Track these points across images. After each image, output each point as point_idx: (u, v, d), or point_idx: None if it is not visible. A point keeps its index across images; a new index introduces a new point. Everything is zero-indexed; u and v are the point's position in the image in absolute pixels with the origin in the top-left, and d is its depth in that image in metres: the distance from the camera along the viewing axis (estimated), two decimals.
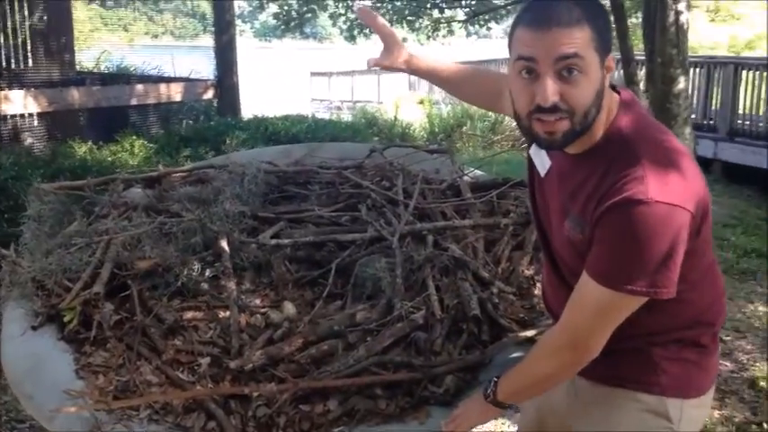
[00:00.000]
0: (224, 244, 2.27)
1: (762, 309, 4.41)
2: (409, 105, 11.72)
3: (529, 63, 1.21)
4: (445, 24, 7.70)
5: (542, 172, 1.45)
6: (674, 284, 1.22)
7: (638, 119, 1.30)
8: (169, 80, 8.55)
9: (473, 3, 7.13)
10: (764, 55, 11.89)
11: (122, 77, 8.62)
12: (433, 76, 1.83)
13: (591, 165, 1.28)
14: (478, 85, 1.80)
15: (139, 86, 7.83)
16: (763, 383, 3.48)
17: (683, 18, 4.58)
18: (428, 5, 7.16)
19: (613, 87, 1.35)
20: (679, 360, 1.38)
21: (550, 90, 1.19)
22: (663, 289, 1.21)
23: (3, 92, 6.72)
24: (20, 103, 6.69)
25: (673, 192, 1.18)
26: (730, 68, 8.23)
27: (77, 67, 8.43)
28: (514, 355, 1.88)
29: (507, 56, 1.29)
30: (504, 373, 1.48)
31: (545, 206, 1.46)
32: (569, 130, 1.23)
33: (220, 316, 2.13)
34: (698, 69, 8.68)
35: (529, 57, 1.21)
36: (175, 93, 8.12)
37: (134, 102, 7.75)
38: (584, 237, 1.29)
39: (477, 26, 8.13)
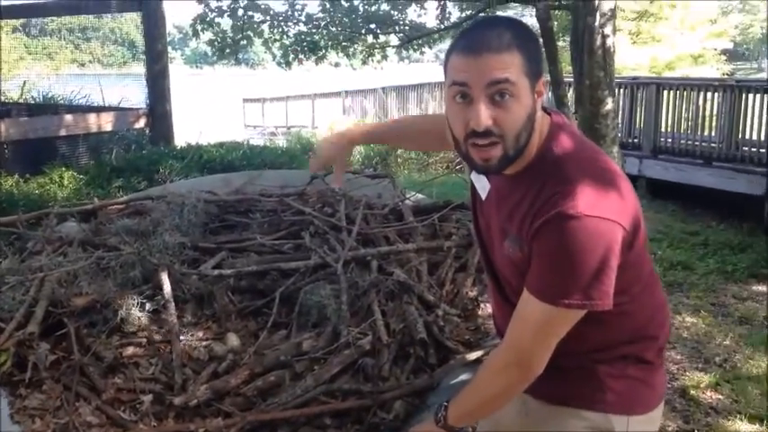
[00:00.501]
0: (164, 276, 2.23)
1: (689, 319, 4.54)
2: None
3: (462, 88, 1.24)
4: (380, 49, 7.78)
5: (483, 195, 1.46)
6: (609, 296, 1.23)
7: (571, 139, 1.32)
8: (99, 109, 8.35)
9: (406, 28, 7.22)
10: (684, 75, 12.42)
11: (50, 107, 8.37)
12: (383, 142, 1.86)
13: (525, 184, 1.30)
14: (426, 133, 1.80)
15: (68, 117, 7.62)
16: (693, 392, 3.58)
17: (609, 41, 4.75)
18: (362, 31, 7.21)
19: (545, 110, 1.38)
20: (624, 377, 1.38)
21: (483, 115, 1.22)
22: (597, 301, 1.23)
23: None
24: None
25: (602, 206, 1.20)
26: (653, 88, 8.54)
27: (2, 98, 8.15)
28: (462, 377, 1.90)
29: (438, 79, 1.31)
30: (453, 397, 1.46)
31: (487, 228, 1.47)
32: (503, 155, 1.26)
33: (162, 351, 2.08)
34: (622, 90, 8.99)
35: (462, 82, 1.24)
36: (106, 122, 7.93)
37: (63, 132, 7.52)
38: (524, 255, 1.30)
39: (410, 51, 8.23)
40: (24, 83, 9.26)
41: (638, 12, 13.78)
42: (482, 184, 1.47)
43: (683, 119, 8.27)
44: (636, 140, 8.84)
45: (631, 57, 13.35)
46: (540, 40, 5.46)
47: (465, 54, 1.24)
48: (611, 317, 1.29)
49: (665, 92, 8.56)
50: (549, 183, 1.25)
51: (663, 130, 8.58)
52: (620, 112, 8.93)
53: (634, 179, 8.31)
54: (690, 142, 8.12)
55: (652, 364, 1.41)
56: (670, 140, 8.45)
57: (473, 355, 1.97)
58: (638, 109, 8.88)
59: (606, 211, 1.20)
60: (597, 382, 1.37)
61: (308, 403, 1.83)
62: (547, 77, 5.03)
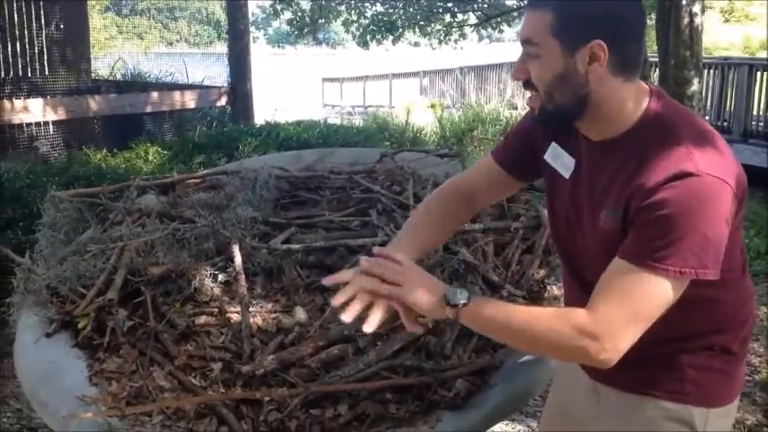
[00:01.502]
0: (236, 249, 2.29)
1: None
2: (420, 110, 11.72)
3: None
4: (457, 28, 7.71)
5: (566, 174, 1.42)
6: (719, 265, 1.17)
7: (672, 106, 1.30)
8: (183, 87, 8.61)
9: (485, 6, 7.12)
10: None
11: (137, 85, 8.69)
12: (424, 250, 1.64)
13: (625, 151, 1.26)
14: (453, 215, 1.68)
15: (154, 94, 7.89)
16: None
17: (697, 20, 4.56)
18: (440, 10, 7.16)
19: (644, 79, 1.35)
20: (707, 368, 1.34)
21: (514, 68, 1.31)
22: (707, 269, 1.16)
23: (21, 101, 6.80)
24: (37, 111, 6.77)
25: (719, 167, 1.16)
26: (744, 69, 8.18)
27: (93, 75, 8.51)
28: (524, 358, 1.88)
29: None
30: (480, 298, 1.30)
31: (571, 208, 1.40)
32: (541, 107, 1.30)
33: (232, 321, 2.15)
34: (712, 71, 8.63)
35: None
36: (190, 100, 8.17)
37: (149, 109, 7.80)
38: (617, 222, 1.25)
39: (489, 29, 8.13)
40: (117, 60, 9.63)
41: None
42: (563, 162, 1.44)
43: None
44: (726, 124, 8.50)
45: (723, 36, 12.77)
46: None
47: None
48: (702, 303, 1.26)
49: (759, 73, 8.18)
50: (656, 146, 1.21)
51: (755, 113, 8.22)
52: (710, 94, 8.58)
53: None
54: None
55: (736, 355, 1.37)
56: (762, 124, 8.08)
57: None
58: (729, 91, 8.53)
59: (724, 173, 1.16)
60: (679, 372, 1.32)
61: (369, 378, 1.85)
62: None
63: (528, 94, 1.33)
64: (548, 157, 1.46)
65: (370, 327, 1.29)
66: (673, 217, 1.14)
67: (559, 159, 1.44)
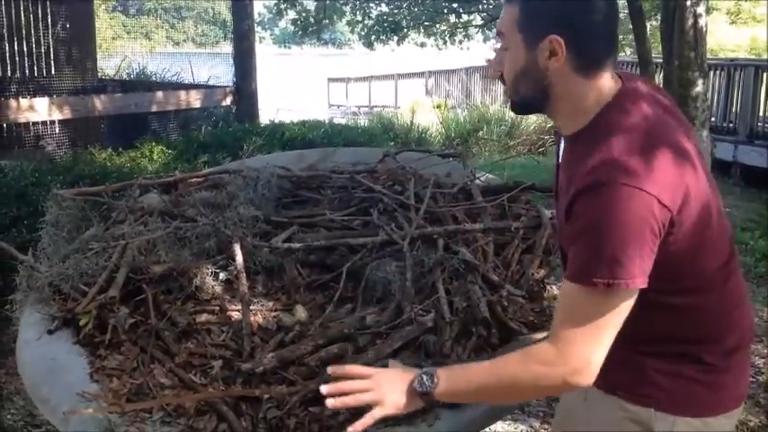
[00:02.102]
0: (237, 248, 2.30)
1: None
2: (426, 110, 11.73)
3: None
4: (462, 29, 7.71)
5: (559, 159, 1.45)
6: (644, 274, 1.17)
7: (637, 109, 1.27)
8: (189, 87, 8.64)
9: (490, 7, 7.12)
10: None
11: (143, 84, 8.72)
12: None
13: (579, 149, 1.28)
14: None
15: (160, 93, 7.92)
16: None
17: (701, 21, 4.56)
18: (445, 11, 7.16)
19: (620, 76, 1.34)
20: (676, 375, 1.32)
21: (492, 62, 1.38)
22: (626, 279, 1.15)
23: (27, 100, 6.83)
24: (43, 110, 6.80)
25: (643, 178, 1.15)
26: (751, 71, 8.16)
27: (99, 75, 8.55)
28: None
29: None
30: (448, 368, 1.35)
31: (557, 197, 1.45)
32: (508, 98, 1.37)
33: (233, 319, 2.16)
34: (718, 72, 8.61)
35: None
36: (195, 99, 8.20)
37: (154, 108, 7.83)
38: (563, 223, 1.28)
39: (494, 30, 8.12)
40: (123, 60, 9.67)
41: None
42: (557, 150, 1.47)
43: None
44: (731, 125, 8.49)
45: (730, 37, 12.73)
46: (629, 19, 5.30)
47: None
48: (662, 310, 1.25)
49: (765, 75, 8.16)
50: (594, 150, 1.21)
51: (761, 114, 8.20)
52: (716, 95, 8.56)
53: (727, 165, 7.98)
54: None
55: (714, 366, 1.33)
56: None
57: (536, 336, 1.95)
58: (735, 92, 8.51)
59: (646, 184, 1.14)
60: (644, 375, 1.32)
61: None
62: (634, 58, 4.84)
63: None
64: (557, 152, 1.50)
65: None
66: (588, 228, 1.16)
67: (558, 154, 1.47)
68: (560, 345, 1.21)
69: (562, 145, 1.42)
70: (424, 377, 1.30)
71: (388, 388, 1.33)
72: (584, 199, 1.18)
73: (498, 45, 1.34)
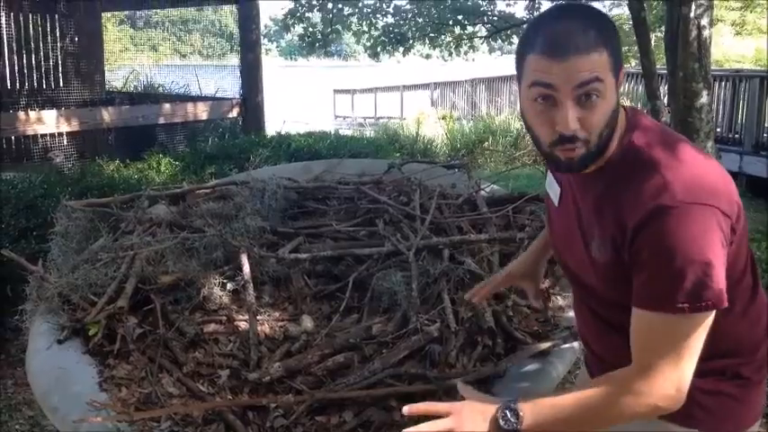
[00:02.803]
0: (244, 258, 2.32)
1: None
2: (431, 121, 11.77)
3: (547, 90, 1.18)
4: (467, 40, 7.75)
5: (555, 201, 1.42)
6: (724, 292, 1.13)
7: (650, 128, 1.26)
8: (196, 99, 8.68)
9: (495, 19, 7.16)
10: None
11: (150, 97, 8.77)
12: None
13: (607, 180, 1.24)
14: None
15: (167, 105, 7.96)
16: None
17: (705, 33, 4.56)
18: (450, 22, 7.20)
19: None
20: (717, 393, 1.30)
21: (571, 118, 1.17)
22: (712, 300, 1.13)
23: (36, 113, 6.88)
24: (51, 123, 6.86)
25: (699, 190, 1.13)
26: (756, 82, 8.16)
27: (107, 87, 8.61)
28: (529, 367, 1.90)
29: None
30: (527, 401, 1.26)
31: (565, 235, 1.40)
32: (586, 154, 1.21)
33: (240, 329, 2.18)
34: (723, 83, 8.62)
35: (547, 84, 1.17)
36: (202, 111, 8.25)
37: (162, 120, 7.87)
38: (611, 257, 1.23)
39: (499, 41, 8.17)
40: (131, 72, 9.75)
41: (744, 1, 13.11)
42: (554, 190, 1.41)
43: None
44: (737, 136, 8.47)
45: (735, 49, 12.73)
46: (633, 30, 5.31)
47: (548, 54, 1.17)
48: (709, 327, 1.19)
49: None
50: (635, 177, 1.18)
51: (766, 125, 8.19)
52: (721, 106, 8.56)
53: (733, 176, 7.90)
54: None
55: (749, 379, 1.32)
56: None
57: (541, 346, 1.97)
58: (741, 103, 8.50)
59: (706, 197, 1.12)
60: (688, 396, 1.25)
61: (374, 385, 1.87)
62: (639, 69, 4.83)
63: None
64: (547, 184, 1.47)
65: None
66: (664, 256, 1.12)
67: (552, 187, 1.43)
68: (649, 374, 1.18)
69: (556, 188, 1.40)
70: (509, 413, 1.23)
71: (470, 425, 1.24)
72: (651, 227, 1.13)
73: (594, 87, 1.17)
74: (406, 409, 1.30)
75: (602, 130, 1.19)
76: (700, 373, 1.25)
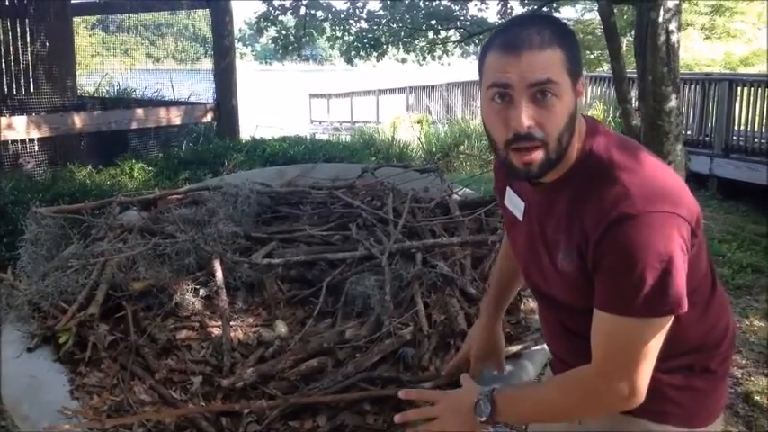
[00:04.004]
0: (217, 264, 2.32)
1: (757, 323, 4.43)
2: (407, 125, 11.81)
3: (501, 89, 1.19)
4: (440, 45, 7.79)
5: (520, 216, 1.41)
6: (684, 297, 1.17)
7: (609, 137, 1.28)
8: (169, 104, 8.62)
9: (468, 23, 7.21)
10: (760, 71, 11.96)
11: (123, 102, 8.70)
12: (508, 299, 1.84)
13: (570, 191, 1.26)
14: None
15: (139, 110, 7.90)
16: (757, 398, 3.50)
17: (673, 37, 4.64)
18: (423, 27, 7.24)
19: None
20: (687, 388, 1.34)
21: (525, 115, 1.17)
22: (672, 305, 1.16)
23: (6, 119, 6.78)
24: (22, 129, 6.76)
25: (661, 198, 1.15)
26: (725, 85, 8.30)
27: (79, 92, 8.52)
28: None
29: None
30: (502, 391, 1.35)
31: (530, 248, 1.40)
32: (545, 159, 1.21)
33: (213, 335, 2.17)
34: (693, 86, 8.75)
35: (502, 83, 1.18)
36: (175, 116, 8.19)
37: (134, 126, 7.81)
38: (576, 266, 1.25)
39: (473, 46, 8.22)
40: (102, 77, 9.66)
41: (713, 6, 13.32)
42: (516, 205, 1.42)
43: (757, 117, 8.02)
44: (707, 138, 8.61)
45: (704, 52, 12.93)
46: (604, 35, 5.39)
47: (504, 53, 1.19)
48: (674, 325, 1.23)
49: (739, 89, 8.30)
50: (597, 186, 1.20)
51: (736, 128, 8.33)
52: (691, 110, 8.70)
53: (704, 178, 8.10)
54: (764, 141, 7.86)
55: (715, 372, 1.36)
56: (743, 139, 8.19)
57: (512, 349, 1.98)
58: (710, 106, 8.64)
59: (666, 205, 1.15)
60: (659, 392, 1.31)
61: (348, 389, 1.88)
62: (609, 73, 4.89)
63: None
64: (506, 201, 1.48)
65: None
66: (625, 262, 1.15)
67: (513, 202, 1.44)
68: (607, 375, 1.22)
69: (518, 203, 1.41)
70: (482, 404, 1.34)
71: (450, 415, 1.38)
72: (613, 235, 1.15)
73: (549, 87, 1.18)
74: (401, 394, 1.50)
75: (561, 133, 1.19)
76: (670, 370, 1.30)
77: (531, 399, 1.35)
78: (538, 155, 1.20)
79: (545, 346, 2.00)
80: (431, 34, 7.50)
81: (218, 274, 2.29)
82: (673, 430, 1.34)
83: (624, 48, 6.09)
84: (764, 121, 7.88)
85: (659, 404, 1.32)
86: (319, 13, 7.25)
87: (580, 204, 1.23)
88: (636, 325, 1.17)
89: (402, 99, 15.96)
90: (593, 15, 13.24)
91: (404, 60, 9.15)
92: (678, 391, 1.33)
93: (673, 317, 1.19)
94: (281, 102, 24.05)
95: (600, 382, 1.23)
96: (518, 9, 6.95)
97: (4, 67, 7.36)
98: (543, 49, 1.17)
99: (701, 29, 13.92)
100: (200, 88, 8.97)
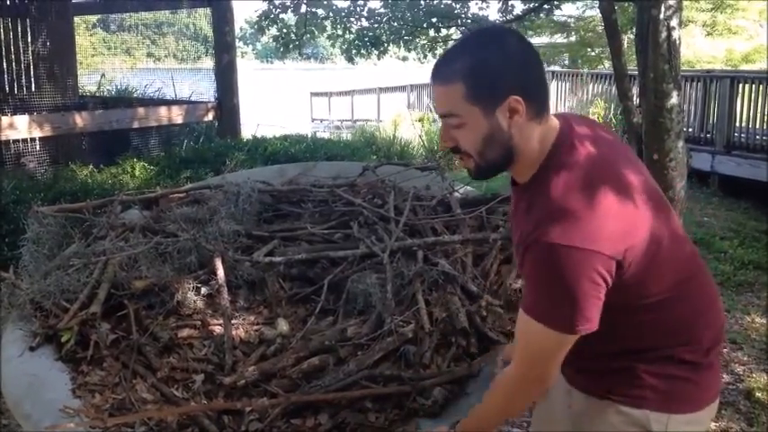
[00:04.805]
0: (218, 263, 2.32)
1: (758, 320, 4.42)
2: (408, 123, 11.79)
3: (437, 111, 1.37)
4: (441, 43, 7.77)
5: (512, 209, 1.53)
6: (589, 321, 1.27)
7: (575, 152, 1.34)
8: (170, 103, 8.61)
9: (469, 21, 7.18)
10: (762, 68, 11.94)
11: (124, 101, 8.70)
12: None
13: (528, 197, 1.36)
14: None
15: (141, 109, 7.89)
16: (759, 394, 3.49)
17: (674, 34, 4.62)
18: (424, 25, 7.22)
19: (560, 117, 1.41)
20: (665, 376, 1.39)
21: (442, 138, 1.37)
22: (579, 326, 1.27)
23: (7, 118, 6.78)
24: (24, 128, 6.76)
25: (580, 234, 1.23)
26: (726, 82, 8.28)
27: (80, 92, 8.52)
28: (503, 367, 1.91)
29: None
30: (462, 420, 1.55)
31: (517, 241, 1.51)
32: (476, 166, 1.37)
33: (215, 333, 2.17)
34: (695, 83, 8.74)
35: (434, 105, 1.39)
36: (176, 115, 8.18)
37: (136, 125, 7.80)
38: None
39: None
40: (104, 76, 9.66)
41: (714, 2, 13.29)
42: (513, 200, 1.53)
43: (759, 113, 8.00)
44: (708, 135, 8.59)
45: (706, 49, 12.89)
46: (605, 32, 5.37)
47: (430, 78, 1.36)
48: (643, 323, 1.36)
49: (741, 85, 8.28)
50: (537, 203, 1.31)
51: (737, 125, 8.31)
52: (692, 107, 8.68)
53: (706, 175, 8.09)
54: (766, 138, 7.84)
55: (699, 363, 1.41)
56: (744, 136, 8.17)
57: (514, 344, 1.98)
58: (712, 103, 8.61)
59: (583, 240, 1.22)
60: (637, 379, 1.39)
61: (349, 387, 1.88)
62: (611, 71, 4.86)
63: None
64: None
65: None
66: (534, 279, 1.29)
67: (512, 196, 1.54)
68: (524, 371, 1.39)
69: (513, 194, 1.50)
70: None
71: None
72: (530, 254, 1.28)
73: (450, 121, 1.34)
74: None
75: (479, 150, 1.33)
76: (647, 359, 1.39)
77: (476, 414, 1.51)
78: (468, 162, 1.37)
79: None
80: (432, 32, 7.48)
81: (220, 272, 2.29)
82: (650, 414, 1.40)
83: (625, 45, 6.08)
84: (766, 117, 7.86)
85: (637, 390, 1.40)
86: (320, 12, 7.23)
87: (526, 215, 1.34)
88: (543, 329, 1.29)
89: (403, 97, 15.93)
90: (595, 12, 13.23)
91: (405, 58, 9.13)
92: (656, 377, 1.39)
93: (570, 334, 1.29)
94: (282, 100, 24.06)
95: (519, 378, 1.40)
96: (519, 7, 6.94)
97: (5, 66, 7.37)
98: (445, 84, 1.32)
99: (703, 26, 13.89)
100: (202, 87, 8.97)
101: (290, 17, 7.52)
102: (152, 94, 9.33)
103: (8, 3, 7.65)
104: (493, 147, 1.33)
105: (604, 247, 1.24)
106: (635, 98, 5.73)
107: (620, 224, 1.27)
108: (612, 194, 1.28)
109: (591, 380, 1.44)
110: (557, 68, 14.11)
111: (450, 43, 8.10)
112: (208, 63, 9.26)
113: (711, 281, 1.51)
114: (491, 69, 1.31)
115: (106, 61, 10.76)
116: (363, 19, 7.25)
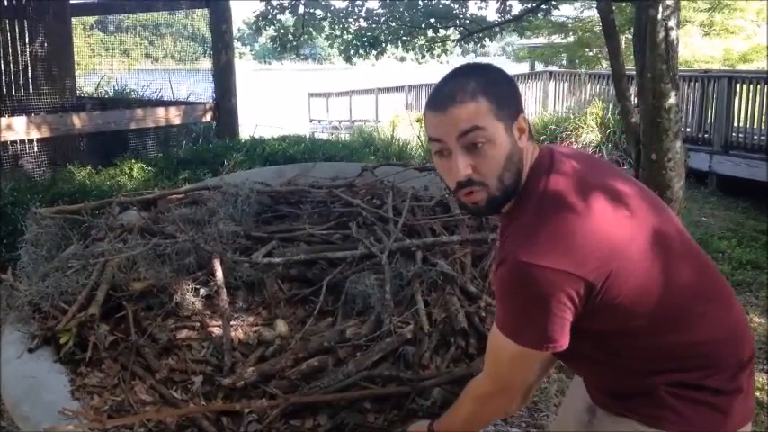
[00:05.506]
0: (217, 264, 2.32)
1: (757, 320, 4.43)
2: (406, 124, 11.79)
3: (439, 144, 1.31)
4: (440, 44, 7.78)
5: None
6: (556, 341, 1.27)
7: (555, 175, 1.33)
8: (168, 104, 8.59)
9: (467, 22, 7.20)
10: (759, 68, 11.95)
11: (122, 102, 8.69)
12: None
13: (508, 224, 1.36)
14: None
15: (139, 111, 7.88)
16: (757, 394, 3.50)
17: (672, 34, 4.62)
18: (422, 25, 7.23)
19: (538, 144, 1.40)
20: (688, 399, 1.34)
21: (461, 166, 1.28)
22: (545, 344, 1.27)
23: (5, 119, 6.77)
24: (21, 129, 6.75)
25: (549, 255, 1.21)
26: (724, 82, 8.29)
27: (78, 93, 8.51)
28: None
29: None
30: (438, 420, 1.59)
31: None
32: (489, 198, 1.32)
33: (213, 334, 2.17)
34: (693, 83, 8.75)
35: (437, 138, 1.30)
36: (174, 116, 8.16)
37: (133, 126, 7.78)
38: None
39: (471, 44, 8.21)
40: (102, 77, 9.65)
41: (711, 2, 13.30)
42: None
43: (756, 113, 8.01)
44: (706, 135, 8.61)
45: (703, 49, 12.91)
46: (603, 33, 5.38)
47: (434, 110, 1.31)
48: (655, 347, 1.34)
49: (738, 85, 8.30)
50: (513, 224, 1.32)
51: (735, 125, 8.33)
52: (690, 107, 8.69)
53: (704, 175, 8.10)
54: (764, 138, 7.86)
55: (722, 390, 1.35)
56: (742, 136, 8.19)
57: None
58: (710, 103, 8.63)
59: (551, 259, 1.21)
60: (658, 399, 1.35)
61: (348, 388, 1.88)
62: (608, 71, 4.86)
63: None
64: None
65: None
66: (501, 296, 1.30)
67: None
68: (491, 382, 1.43)
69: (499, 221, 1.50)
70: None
71: None
72: (499, 271, 1.29)
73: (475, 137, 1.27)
74: None
75: (500, 173, 1.30)
76: (667, 381, 1.34)
77: (448, 419, 1.55)
78: (481, 195, 1.31)
79: None
80: (430, 33, 7.50)
81: (219, 273, 2.29)
82: None
83: (623, 45, 6.09)
84: (764, 117, 7.87)
85: (656, 410, 1.35)
86: (318, 12, 7.25)
87: (507, 237, 1.33)
88: (511, 344, 1.30)
89: (401, 97, 15.94)
90: (592, 13, 13.23)
91: (403, 59, 9.15)
92: (678, 399, 1.34)
93: (536, 351, 1.30)
94: (281, 101, 24.06)
95: (489, 390, 1.44)
96: (517, 7, 6.95)
97: (3, 67, 7.36)
98: (465, 103, 1.27)
99: (700, 25, 13.90)
100: (200, 88, 8.96)
101: (287, 18, 7.53)
102: (150, 95, 9.32)
103: (5, 4, 7.63)
104: (510, 168, 1.31)
105: (573, 267, 1.22)
106: (633, 98, 5.73)
107: (598, 246, 1.24)
108: (593, 216, 1.27)
109: (613, 398, 1.41)
110: (554, 69, 14.13)
111: (449, 44, 8.12)
112: (206, 64, 9.25)
113: (735, 302, 1.44)
114: (502, 88, 1.31)
115: (104, 62, 10.76)
116: (361, 19, 7.27)
